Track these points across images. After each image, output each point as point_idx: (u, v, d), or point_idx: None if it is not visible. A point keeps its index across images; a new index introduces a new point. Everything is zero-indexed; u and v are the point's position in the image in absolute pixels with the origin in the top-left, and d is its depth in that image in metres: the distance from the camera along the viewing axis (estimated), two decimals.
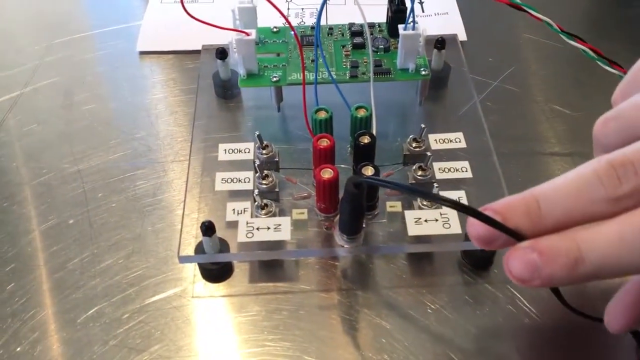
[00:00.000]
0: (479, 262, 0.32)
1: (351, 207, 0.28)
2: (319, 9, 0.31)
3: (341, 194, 0.28)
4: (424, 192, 0.26)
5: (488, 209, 0.21)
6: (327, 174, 0.29)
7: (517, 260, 0.21)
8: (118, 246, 0.33)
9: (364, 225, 0.30)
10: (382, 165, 0.34)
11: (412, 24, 0.34)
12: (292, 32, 0.33)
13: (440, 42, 0.38)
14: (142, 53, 0.45)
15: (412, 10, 0.33)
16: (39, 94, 0.42)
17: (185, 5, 0.34)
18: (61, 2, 0.52)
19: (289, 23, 0.31)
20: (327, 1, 0.46)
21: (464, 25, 0.46)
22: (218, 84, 0.40)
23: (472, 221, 0.21)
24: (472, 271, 0.32)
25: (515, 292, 0.31)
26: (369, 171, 0.29)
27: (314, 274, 0.32)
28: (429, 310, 0.30)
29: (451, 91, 0.40)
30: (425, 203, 0.31)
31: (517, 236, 0.21)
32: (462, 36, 0.44)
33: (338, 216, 0.31)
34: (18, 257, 0.33)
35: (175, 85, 0.43)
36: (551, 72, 0.43)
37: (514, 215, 0.21)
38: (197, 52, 0.43)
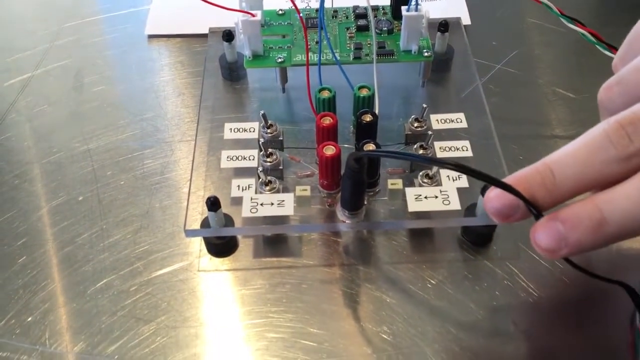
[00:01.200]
0: (478, 238, 0.32)
1: (352, 182, 0.29)
2: None
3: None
4: (422, 158, 0.27)
5: (511, 180, 0.22)
6: (329, 150, 0.30)
7: (542, 232, 0.21)
8: (126, 222, 0.34)
9: (365, 202, 0.31)
10: (385, 144, 0.35)
11: (415, 5, 0.34)
12: (297, 14, 0.33)
13: (443, 25, 0.39)
14: (151, 37, 0.45)
15: None
16: (49, 76, 0.43)
17: None
18: None
19: (294, 3, 0.32)
20: None
21: (468, 9, 0.46)
22: (224, 66, 0.40)
23: (489, 197, 0.22)
24: (472, 248, 0.32)
25: (514, 269, 0.31)
26: (370, 148, 0.30)
27: (317, 250, 0.32)
28: (429, 285, 0.31)
29: (454, 74, 0.41)
30: (425, 180, 0.32)
31: (535, 207, 0.21)
32: (466, 20, 0.45)
33: (340, 194, 0.32)
34: (29, 232, 0.34)
35: (182, 67, 0.43)
36: (554, 56, 0.43)
37: (531, 187, 0.21)
38: (205, 35, 0.43)
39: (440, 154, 0.33)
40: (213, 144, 0.37)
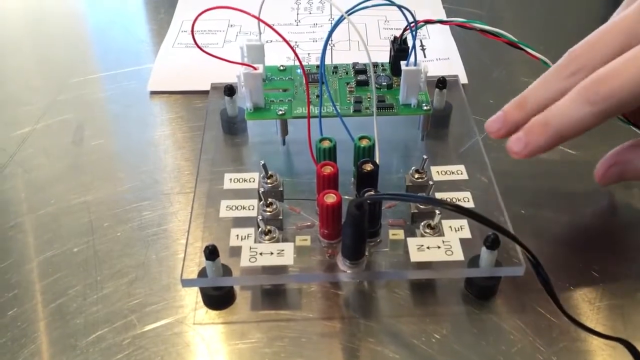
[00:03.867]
0: (482, 292, 0.31)
1: (353, 229, 0.28)
2: (323, 43, 0.32)
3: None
4: (425, 199, 0.26)
5: (499, 112, 0.32)
6: (330, 198, 0.30)
7: (512, 141, 0.30)
8: (121, 273, 0.33)
9: (366, 252, 0.30)
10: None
11: (414, 60, 0.35)
12: (299, 67, 0.34)
13: (441, 82, 0.39)
14: (153, 93, 0.46)
15: (414, 46, 0.35)
16: (50, 130, 0.43)
17: (195, 50, 0.35)
18: (76, 46, 0.54)
19: (297, 55, 0.32)
20: (333, 44, 0.48)
21: (465, 69, 0.47)
22: (225, 119, 0.41)
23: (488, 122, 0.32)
24: (476, 301, 0.32)
25: (519, 322, 0.31)
26: (368, 168, 0.30)
27: (317, 302, 0.32)
28: (433, 340, 0.30)
29: (453, 129, 0.41)
30: (427, 231, 0.32)
31: None
32: (463, 79, 0.46)
33: (341, 242, 0.31)
34: (21, 284, 0.33)
35: (183, 122, 0.44)
36: None
37: (510, 109, 0.32)
38: (205, 92, 0.44)
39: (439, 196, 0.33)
40: (212, 195, 0.36)
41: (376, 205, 0.30)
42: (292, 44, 0.50)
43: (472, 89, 0.45)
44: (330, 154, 0.33)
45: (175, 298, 0.32)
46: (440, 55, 0.48)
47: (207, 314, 0.31)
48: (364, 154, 0.33)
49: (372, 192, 0.30)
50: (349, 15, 0.33)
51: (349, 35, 0.51)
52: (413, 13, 0.35)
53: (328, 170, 0.31)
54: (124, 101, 0.46)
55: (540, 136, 0.29)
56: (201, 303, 0.32)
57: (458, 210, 0.24)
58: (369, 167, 0.31)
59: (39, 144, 0.42)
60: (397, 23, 0.53)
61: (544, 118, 0.29)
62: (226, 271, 0.31)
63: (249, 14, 0.33)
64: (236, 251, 0.31)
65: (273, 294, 0.32)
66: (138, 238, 0.35)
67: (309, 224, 0.34)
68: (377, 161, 0.34)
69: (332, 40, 0.51)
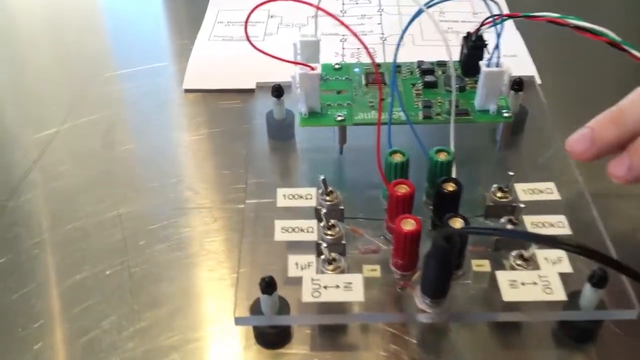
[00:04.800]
0: (581, 335, 0.27)
1: (439, 264, 0.24)
2: (398, 38, 0.27)
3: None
4: (540, 238, 0.21)
5: (584, 128, 0.27)
6: (408, 225, 0.25)
7: (613, 164, 0.26)
8: (160, 302, 0.29)
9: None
10: None
11: (496, 60, 0.30)
12: (357, 66, 0.29)
13: (517, 84, 0.34)
14: (188, 91, 0.42)
15: (498, 45, 0.30)
16: (77, 131, 0.39)
17: (234, 43, 0.31)
18: (102, 39, 0.50)
19: (368, 51, 0.27)
20: (384, 38, 0.43)
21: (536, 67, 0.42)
22: (272, 124, 0.36)
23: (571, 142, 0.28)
24: (571, 345, 0.27)
25: None
26: (457, 224, 0.25)
27: (384, 341, 0.27)
28: None
29: (528, 136, 0.37)
30: (519, 262, 0.27)
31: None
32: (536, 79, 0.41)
33: (416, 275, 0.27)
34: (47, 312, 0.29)
35: (222, 124, 0.39)
36: None
37: (601, 124, 0.27)
38: (246, 91, 0.40)
39: (532, 231, 0.28)
40: (261, 210, 0.32)
41: (464, 237, 0.26)
42: (340, 38, 0.46)
43: (545, 90, 0.40)
44: (402, 171, 0.28)
45: (223, 333, 0.28)
46: (506, 51, 0.43)
47: (259, 353, 0.27)
48: (442, 170, 0.29)
49: (459, 220, 0.25)
50: (428, 7, 0.28)
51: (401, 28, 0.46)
52: (498, 4, 0.30)
53: (403, 190, 0.27)
54: (157, 100, 0.42)
55: None
56: (253, 339, 0.28)
57: (597, 259, 0.19)
58: (450, 187, 0.27)
59: (64, 147, 0.38)
60: (453, 15, 0.48)
61: None
62: (283, 306, 0.27)
63: (309, 4, 0.29)
64: (294, 281, 0.27)
65: (334, 330, 0.28)
66: (177, 260, 0.31)
67: (374, 248, 0.29)
68: (455, 178, 0.29)
69: (382, 34, 0.46)
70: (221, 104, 0.41)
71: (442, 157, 0.28)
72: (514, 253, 0.27)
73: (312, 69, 0.31)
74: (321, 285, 0.26)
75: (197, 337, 0.28)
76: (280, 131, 0.36)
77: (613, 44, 0.29)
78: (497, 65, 0.31)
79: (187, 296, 0.29)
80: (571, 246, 0.19)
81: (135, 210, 0.34)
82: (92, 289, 0.30)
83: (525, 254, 0.27)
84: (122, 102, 0.42)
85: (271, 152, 0.36)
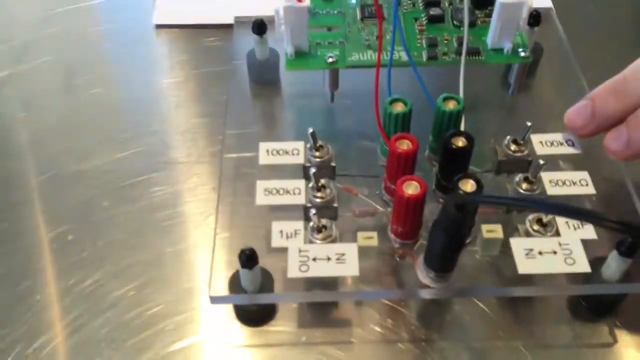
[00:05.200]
0: (601, 306, 0.24)
1: (448, 236, 0.20)
2: None
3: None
4: (564, 208, 0.18)
5: (583, 99, 0.24)
6: (411, 188, 0.22)
7: (610, 137, 0.24)
8: (128, 273, 0.26)
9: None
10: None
11: None
12: None
13: (534, 17, 0.30)
14: (159, 27, 0.37)
15: None
16: (32, 74, 0.34)
17: None
18: None
19: None
20: None
21: None
22: (254, 65, 0.32)
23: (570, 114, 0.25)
24: (591, 317, 0.24)
25: None
26: (468, 186, 0.22)
27: (381, 318, 0.24)
28: None
29: (541, 79, 0.33)
30: (536, 228, 0.24)
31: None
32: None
33: (418, 243, 0.24)
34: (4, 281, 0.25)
35: (199, 66, 0.35)
36: None
37: (602, 96, 0.24)
38: (226, 26, 0.35)
39: (551, 191, 0.25)
40: (242, 166, 0.28)
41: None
42: None
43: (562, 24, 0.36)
44: (403, 123, 0.24)
45: (200, 309, 0.25)
46: None
47: (241, 330, 0.24)
48: (449, 121, 0.25)
49: (470, 182, 0.22)
50: None
51: None
52: None
53: (405, 146, 0.23)
54: (124, 38, 0.37)
55: None
56: (233, 316, 0.24)
57: (626, 230, 0.16)
58: (460, 142, 0.23)
59: (19, 93, 0.33)
60: None
61: None
62: (267, 280, 0.23)
63: None
64: (279, 251, 0.24)
65: (324, 304, 0.25)
66: (148, 224, 0.27)
67: (371, 210, 0.26)
68: (463, 129, 0.25)
69: None
70: (198, 42, 0.36)
71: (451, 106, 0.24)
72: (530, 217, 0.24)
73: (300, 0, 0.26)
74: (310, 257, 0.23)
75: (171, 313, 0.25)
76: (263, 73, 0.32)
77: None
78: None
79: (158, 266, 0.26)
80: (614, 223, 0.15)
81: (99, 166, 0.30)
82: (52, 256, 0.26)
83: (544, 218, 0.23)
84: (84, 41, 0.37)
85: (253, 98, 0.32)
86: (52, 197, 0.29)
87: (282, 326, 0.24)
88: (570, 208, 0.17)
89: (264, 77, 0.32)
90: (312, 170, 0.24)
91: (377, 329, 0.24)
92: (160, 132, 0.31)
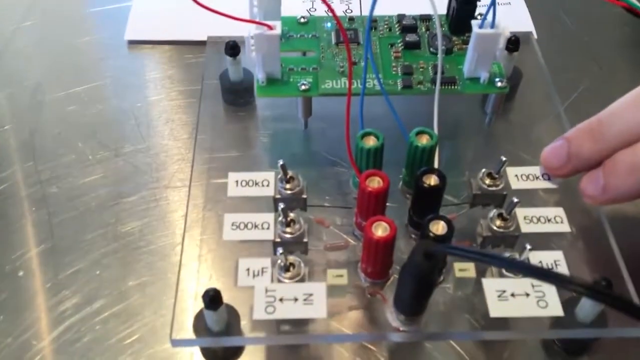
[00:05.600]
0: (575, 346, 0.24)
1: (417, 282, 0.20)
2: None
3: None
4: (537, 271, 0.17)
5: (559, 139, 0.24)
6: (380, 229, 0.21)
7: (586, 180, 0.23)
8: (91, 306, 0.25)
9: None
10: (442, 205, 0.26)
11: (491, 19, 0.25)
12: (330, 20, 0.24)
13: (513, 42, 0.29)
14: (132, 43, 0.36)
15: (494, 2, 0.25)
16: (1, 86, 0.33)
17: None
18: None
19: (330, 7, 0.22)
20: None
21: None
22: (227, 87, 0.31)
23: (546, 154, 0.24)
24: (564, 357, 0.24)
25: None
26: (439, 228, 0.21)
27: (351, 357, 0.23)
28: None
29: (520, 104, 0.32)
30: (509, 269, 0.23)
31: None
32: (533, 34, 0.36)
33: (390, 281, 0.23)
34: None
35: (172, 85, 0.34)
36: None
37: (578, 137, 0.23)
38: (202, 43, 0.34)
39: (525, 228, 0.24)
40: (211, 193, 0.27)
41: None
42: None
43: (542, 46, 0.35)
44: (376, 158, 0.24)
45: (164, 344, 0.24)
46: None
47: None
48: (422, 157, 0.24)
49: (441, 223, 0.21)
50: None
51: None
52: None
53: (376, 183, 0.22)
54: (95, 53, 0.36)
55: (626, 180, 0.22)
56: (199, 354, 0.24)
57: (591, 295, 0.15)
58: (433, 180, 0.22)
59: None
60: None
61: (635, 157, 0.22)
62: (233, 318, 0.23)
63: None
64: (246, 289, 0.23)
65: (292, 346, 0.24)
66: (113, 253, 0.27)
67: (342, 244, 0.25)
68: (437, 165, 0.25)
69: None
70: (172, 59, 0.35)
71: (424, 141, 0.24)
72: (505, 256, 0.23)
73: (270, 28, 0.26)
74: (276, 297, 0.22)
75: (134, 349, 0.24)
76: (237, 96, 0.31)
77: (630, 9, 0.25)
78: (492, 25, 0.26)
79: (122, 299, 0.25)
80: (580, 286, 0.15)
81: (65, 190, 0.29)
82: (8, 286, 0.25)
83: (518, 256, 0.23)
84: (53, 55, 0.35)
85: (225, 121, 0.31)
86: (11, 220, 0.28)
87: None
88: (536, 269, 0.16)
89: (238, 99, 0.31)
90: (281, 205, 0.23)
91: None
92: (130, 155, 0.30)
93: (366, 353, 0.24)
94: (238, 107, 0.31)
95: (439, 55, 0.25)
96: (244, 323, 0.23)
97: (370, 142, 0.24)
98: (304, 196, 0.25)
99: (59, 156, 0.30)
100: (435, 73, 0.27)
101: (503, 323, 0.23)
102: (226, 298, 0.22)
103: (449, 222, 0.21)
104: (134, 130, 0.31)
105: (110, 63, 0.35)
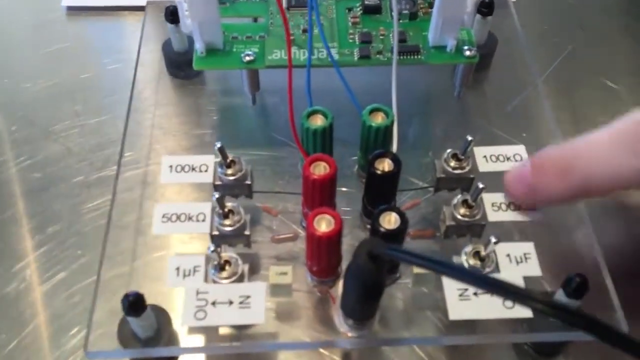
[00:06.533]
0: (548, 348, 0.21)
1: (362, 285, 0.17)
2: None
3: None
4: (489, 282, 0.14)
5: (526, 162, 0.21)
6: (324, 224, 0.18)
7: (512, 179, 0.21)
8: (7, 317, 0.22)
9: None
10: (403, 190, 0.23)
11: None
12: None
13: (486, 5, 0.26)
14: (71, 9, 0.32)
15: None
16: None
17: None
18: None
19: None
20: None
21: None
22: (170, 57, 0.28)
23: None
24: (535, 357, 0.21)
25: None
26: (392, 222, 0.18)
27: None
28: None
29: (494, 75, 0.29)
30: (472, 262, 0.20)
31: None
32: None
33: (340, 280, 0.20)
34: None
35: (112, 55, 0.31)
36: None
37: (547, 174, 0.20)
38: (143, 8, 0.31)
39: (493, 216, 0.21)
40: (143, 184, 0.25)
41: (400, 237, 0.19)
42: None
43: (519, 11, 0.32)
44: (323, 140, 0.21)
45: None
46: None
47: None
48: (377, 137, 0.21)
49: (393, 215, 0.18)
50: None
51: None
52: None
53: (322, 169, 0.19)
54: (29, 21, 0.32)
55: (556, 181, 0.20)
56: None
57: (553, 314, 0.13)
58: (386, 166, 0.20)
59: None
60: None
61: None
62: (163, 322, 0.20)
63: None
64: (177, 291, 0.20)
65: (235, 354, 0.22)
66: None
67: (290, 235, 0.23)
68: (395, 143, 0.22)
69: None
70: (114, 27, 0.32)
71: (379, 120, 0.21)
72: (467, 248, 0.21)
73: None
74: (208, 301, 0.19)
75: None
76: (182, 67, 0.28)
77: None
78: None
79: (45, 306, 0.22)
80: (541, 303, 0.12)
81: None
82: None
83: (483, 250, 0.20)
84: None
85: (168, 95, 0.28)
86: None
87: None
88: (496, 283, 0.13)
89: (182, 71, 0.28)
90: (216, 195, 0.21)
91: None
92: (62, 135, 0.27)
93: (318, 356, 0.21)
94: (184, 79, 0.28)
95: (394, 18, 0.21)
96: (178, 326, 0.20)
97: (318, 121, 0.21)
98: (248, 182, 0.23)
99: None
100: (399, 41, 0.24)
101: (470, 324, 0.20)
102: (159, 300, 0.20)
103: (402, 215, 0.18)
104: (68, 107, 0.28)
105: (44, 32, 0.32)
